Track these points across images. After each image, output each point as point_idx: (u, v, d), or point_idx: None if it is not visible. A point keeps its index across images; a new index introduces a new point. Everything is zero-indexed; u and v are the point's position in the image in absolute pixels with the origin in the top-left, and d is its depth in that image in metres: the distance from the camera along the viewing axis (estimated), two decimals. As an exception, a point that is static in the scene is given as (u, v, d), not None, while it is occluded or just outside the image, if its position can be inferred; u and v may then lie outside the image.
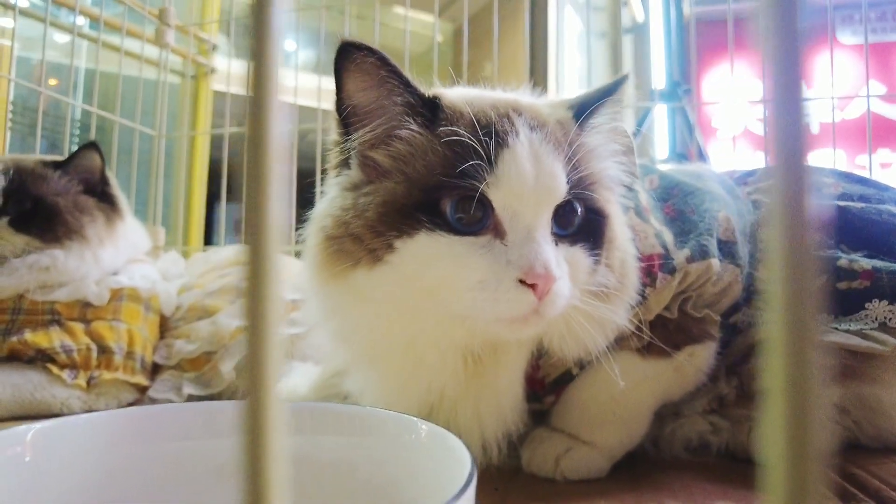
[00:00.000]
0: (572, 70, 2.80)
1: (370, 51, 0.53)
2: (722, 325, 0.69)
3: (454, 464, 0.36)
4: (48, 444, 0.36)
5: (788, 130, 0.16)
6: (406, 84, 0.55)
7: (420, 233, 0.52)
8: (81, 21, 1.62)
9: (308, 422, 0.46)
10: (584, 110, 0.60)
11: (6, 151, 2.26)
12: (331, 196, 0.59)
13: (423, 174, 0.54)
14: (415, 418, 0.41)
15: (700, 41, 1.38)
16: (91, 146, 1.04)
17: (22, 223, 0.95)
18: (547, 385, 0.68)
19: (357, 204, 0.55)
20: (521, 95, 0.66)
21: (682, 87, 2.19)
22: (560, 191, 0.54)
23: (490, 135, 0.53)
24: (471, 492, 0.32)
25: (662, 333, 0.65)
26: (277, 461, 0.18)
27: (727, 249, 0.69)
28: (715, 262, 0.66)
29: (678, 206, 0.72)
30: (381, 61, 0.54)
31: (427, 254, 0.52)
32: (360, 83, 0.55)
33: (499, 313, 0.51)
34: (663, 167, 0.82)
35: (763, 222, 0.76)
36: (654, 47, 2.64)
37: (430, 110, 0.56)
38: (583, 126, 0.60)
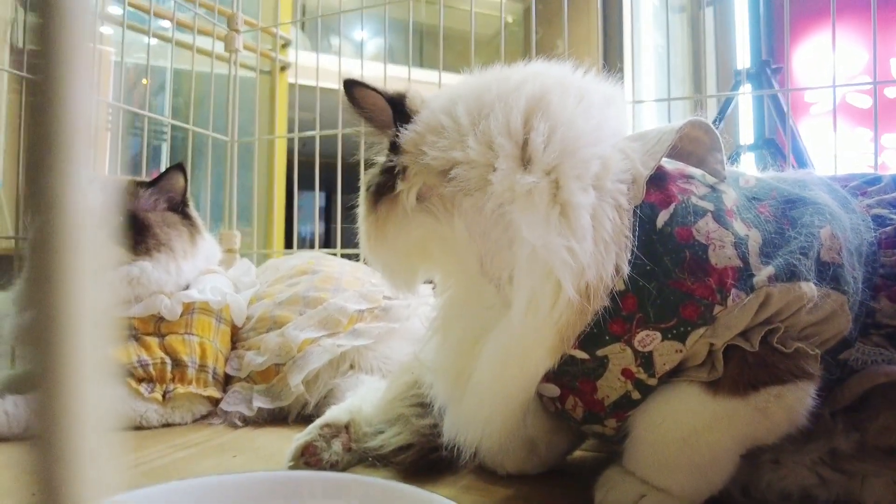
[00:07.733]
0: (648, 48, 2.57)
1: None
2: (831, 362, 0.59)
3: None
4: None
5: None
6: None
7: None
8: (167, 24, 1.66)
9: (342, 492, 0.44)
10: None
11: (106, 150, 2.41)
12: None
13: None
14: (437, 496, 0.38)
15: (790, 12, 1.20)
16: (177, 168, 1.10)
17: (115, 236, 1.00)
18: (607, 407, 0.62)
19: None
20: None
21: (772, 66, 1.92)
22: None
23: None
24: None
25: (738, 367, 0.56)
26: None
27: (830, 273, 0.58)
28: (807, 287, 0.55)
29: (775, 213, 0.62)
30: None
31: None
32: None
33: None
34: (759, 174, 0.71)
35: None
36: (738, 21, 2.32)
37: None
38: None
